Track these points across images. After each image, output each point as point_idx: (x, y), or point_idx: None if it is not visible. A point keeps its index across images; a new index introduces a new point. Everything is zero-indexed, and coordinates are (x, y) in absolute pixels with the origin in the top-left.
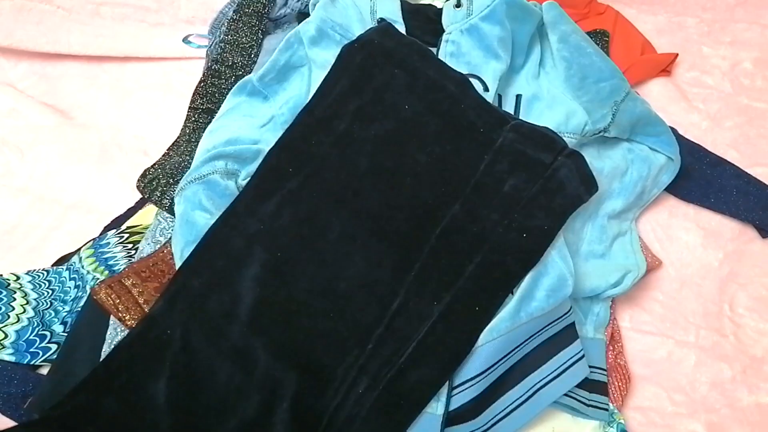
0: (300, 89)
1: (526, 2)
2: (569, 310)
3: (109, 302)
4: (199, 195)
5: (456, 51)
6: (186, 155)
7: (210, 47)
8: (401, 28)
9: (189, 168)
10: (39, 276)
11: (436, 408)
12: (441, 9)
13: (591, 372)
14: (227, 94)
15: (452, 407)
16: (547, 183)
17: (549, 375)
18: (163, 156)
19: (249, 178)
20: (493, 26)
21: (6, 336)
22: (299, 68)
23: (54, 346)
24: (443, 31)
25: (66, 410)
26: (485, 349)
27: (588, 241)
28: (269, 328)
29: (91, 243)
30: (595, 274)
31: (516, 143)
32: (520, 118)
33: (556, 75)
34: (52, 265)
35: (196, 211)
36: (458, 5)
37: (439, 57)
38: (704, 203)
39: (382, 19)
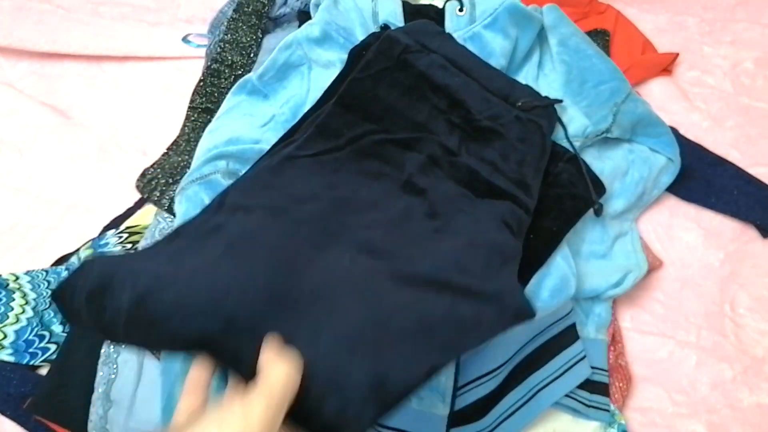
0: (300, 88)
1: (527, 9)
2: (570, 311)
3: None
4: (201, 195)
5: None
6: (185, 155)
7: (209, 46)
8: None
9: (188, 168)
10: (38, 276)
11: (441, 408)
12: (442, 9)
13: (592, 373)
14: (227, 93)
15: (459, 407)
16: (550, 188)
17: (550, 376)
18: (162, 156)
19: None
20: (495, 35)
21: (5, 336)
22: (299, 67)
23: (53, 347)
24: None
25: None
26: (491, 349)
27: (589, 241)
28: None
29: (90, 243)
30: (596, 274)
31: None
32: None
33: (555, 78)
34: (52, 265)
35: (198, 210)
36: (461, 9)
37: None
38: (705, 203)
39: (385, 26)
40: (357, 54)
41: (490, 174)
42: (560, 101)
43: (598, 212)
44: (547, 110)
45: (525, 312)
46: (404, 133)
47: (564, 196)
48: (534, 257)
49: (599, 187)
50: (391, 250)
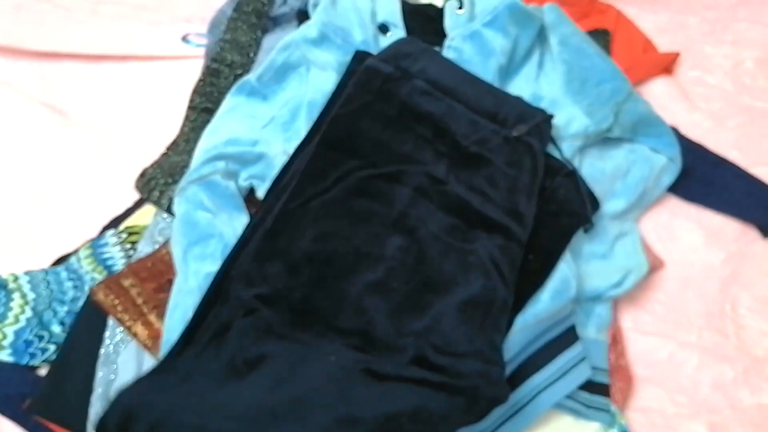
0: (299, 90)
1: (528, 8)
2: (570, 313)
3: (108, 303)
4: (200, 195)
5: (458, 58)
6: (185, 155)
7: (209, 46)
8: (401, 30)
9: (188, 168)
10: (37, 276)
11: None
12: (441, 9)
13: (593, 373)
14: (226, 93)
15: None
16: (547, 204)
17: (551, 377)
18: (161, 155)
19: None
20: (495, 33)
21: (5, 336)
22: (297, 68)
23: (52, 347)
24: (444, 31)
25: None
26: None
27: (589, 241)
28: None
29: (89, 243)
30: (597, 274)
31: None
32: None
33: (555, 77)
34: (51, 266)
35: (198, 211)
36: (460, 7)
37: None
38: (706, 203)
39: (383, 25)
40: (341, 84)
41: (481, 204)
42: (552, 117)
43: (588, 230)
44: (538, 128)
45: (499, 397)
46: (390, 166)
47: (560, 214)
48: (533, 279)
49: (594, 203)
50: (375, 336)
